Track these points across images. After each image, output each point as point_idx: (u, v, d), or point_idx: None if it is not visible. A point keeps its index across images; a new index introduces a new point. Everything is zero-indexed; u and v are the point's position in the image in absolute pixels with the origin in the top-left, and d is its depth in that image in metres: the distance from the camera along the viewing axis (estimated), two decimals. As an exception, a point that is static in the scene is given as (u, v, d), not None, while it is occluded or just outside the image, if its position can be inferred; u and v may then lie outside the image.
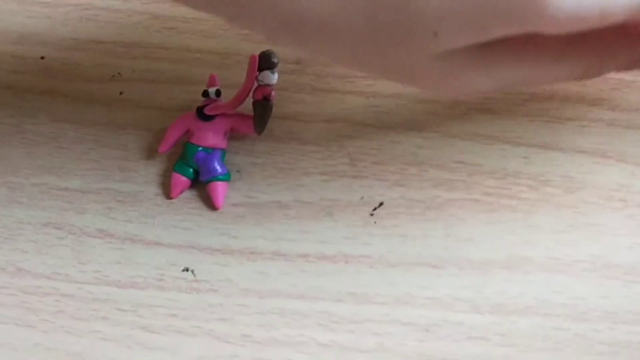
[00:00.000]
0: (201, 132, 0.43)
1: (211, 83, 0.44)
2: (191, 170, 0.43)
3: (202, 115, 0.43)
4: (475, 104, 0.44)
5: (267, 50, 0.43)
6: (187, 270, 0.41)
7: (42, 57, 0.47)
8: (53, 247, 0.42)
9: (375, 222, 0.42)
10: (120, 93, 0.46)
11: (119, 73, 0.47)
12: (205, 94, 0.44)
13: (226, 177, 0.43)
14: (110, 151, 0.44)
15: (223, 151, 0.43)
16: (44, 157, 0.44)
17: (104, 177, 0.44)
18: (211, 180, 0.43)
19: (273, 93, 0.43)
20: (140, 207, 0.43)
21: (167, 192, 0.43)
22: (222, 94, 0.44)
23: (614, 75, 0.44)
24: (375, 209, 0.42)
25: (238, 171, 0.43)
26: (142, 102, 0.46)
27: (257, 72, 0.42)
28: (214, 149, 0.43)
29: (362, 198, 0.42)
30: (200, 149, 0.43)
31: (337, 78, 0.46)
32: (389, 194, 0.42)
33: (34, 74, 0.47)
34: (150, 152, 0.44)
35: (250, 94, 0.43)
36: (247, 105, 0.43)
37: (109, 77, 0.47)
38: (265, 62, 0.42)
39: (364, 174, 0.43)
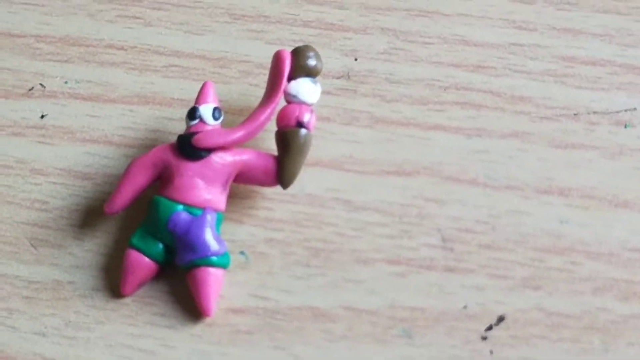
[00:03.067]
0: (184, 179, 0.36)
1: (204, 97, 0.37)
2: (161, 246, 0.36)
3: (186, 149, 0.36)
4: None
5: (305, 46, 0.37)
6: None
7: None
8: None
9: (491, 352, 0.34)
10: (42, 116, 0.41)
11: (40, 84, 0.42)
12: (194, 113, 0.37)
13: (223, 261, 0.36)
14: (16, 210, 0.39)
15: (220, 215, 0.36)
16: None
17: (3, 256, 0.38)
18: (197, 265, 0.36)
19: (312, 117, 0.36)
20: (65, 310, 0.36)
21: (116, 284, 0.37)
22: (223, 118, 0.37)
23: None
24: (490, 327, 0.35)
25: (243, 253, 0.37)
26: (77, 132, 0.40)
27: (286, 82, 0.36)
28: (204, 209, 0.35)
29: (465, 307, 0.35)
30: (180, 207, 0.36)
31: (414, 103, 0.39)
32: (513, 302, 0.35)
33: None
34: (88, 214, 0.38)
35: (273, 117, 0.37)
36: (265, 138, 0.38)
37: (23, 91, 0.41)
38: (302, 63, 0.37)
39: (467, 265, 0.36)
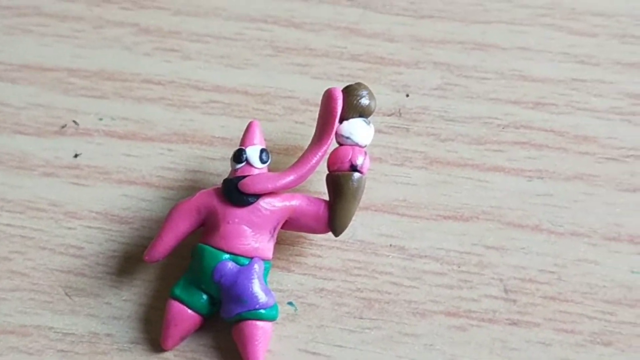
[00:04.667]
0: (230, 227, 0.34)
1: (250, 137, 0.36)
2: (205, 297, 0.35)
3: (232, 194, 0.34)
4: None
5: (357, 84, 0.35)
6: None
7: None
8: None
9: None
10: (76, 155, 0.39)
11: (74, 121, 0.40)
12: (240, 156, 0.35)
13: (271, 314, 0.34)
14: (50, 256, 0.37)
15: (267, 264, 0.34)
16: None
17: (37, 305, 0.36)
18: (244, 319, 0.34)
19: (366, 159, 0.35)
20: (101, 364, 0.34)
21: (156, 337, 0.35)
22: (270, 160, 0.36)
23: None
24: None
25: (291, 303, 0.36)
26: (113, 172, 0.39)
27: (338, 122, 0.35)
28: (251, 258, 0.34)
29: (532, 365, 0.34)
30: (226, 257, 0.34)
31: (471, 143, 0.38)
32: (582, 359, 0.34)
33: None
34: (126, 261, 0.37)
35: (324, 160, 0.35)
36: (312, 180, 0.36)
37: (55, 129, 0.40)
38: (355, 103, 0.35)
39: (532, 319, 0.35)
